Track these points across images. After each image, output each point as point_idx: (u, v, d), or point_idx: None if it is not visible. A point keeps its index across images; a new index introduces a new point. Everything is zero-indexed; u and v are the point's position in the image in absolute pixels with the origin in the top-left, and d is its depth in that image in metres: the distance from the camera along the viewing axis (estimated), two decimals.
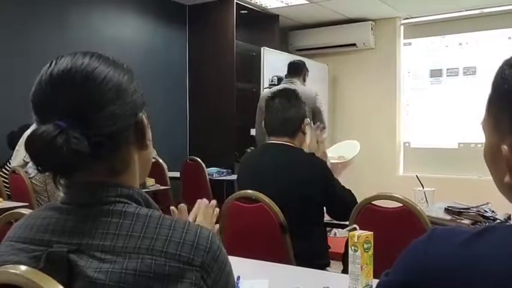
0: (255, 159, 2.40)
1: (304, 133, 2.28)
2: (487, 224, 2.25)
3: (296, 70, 4.20)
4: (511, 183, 0.69)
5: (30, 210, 1.11)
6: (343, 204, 2.17)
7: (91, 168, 0.79)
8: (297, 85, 4.02)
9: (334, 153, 5.89)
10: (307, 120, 2.30)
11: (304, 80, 4.26)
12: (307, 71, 4.29)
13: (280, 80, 4.47)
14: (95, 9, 4.77)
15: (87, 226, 0.77)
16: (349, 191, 2.27)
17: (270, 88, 4.49)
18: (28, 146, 0.75)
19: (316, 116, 4.08)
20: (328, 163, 2.37)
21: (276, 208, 2.04)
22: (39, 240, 0.78)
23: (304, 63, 4.30)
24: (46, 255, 0.75)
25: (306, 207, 2.12)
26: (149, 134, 0.88)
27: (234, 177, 4.66)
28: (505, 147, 0.68)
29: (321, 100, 4.22)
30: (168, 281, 0.72)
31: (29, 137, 0.75)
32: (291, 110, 2.24)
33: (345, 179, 2.51)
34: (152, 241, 0.75)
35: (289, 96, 2.28)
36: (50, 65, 0.83)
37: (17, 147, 3.43)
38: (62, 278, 0.73)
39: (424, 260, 0.66)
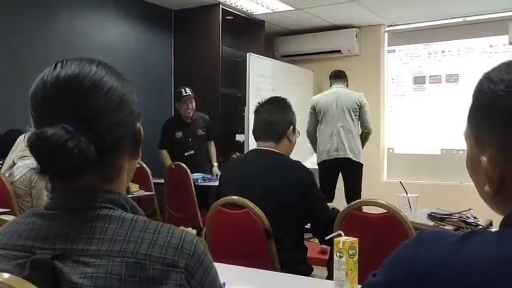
0: (238, 165, 2.41)
1: (289, 140, 2.28)
2: (470, 230, 2.27)
3: (342, 76, 4.95)
4: (490, 192, 0.70)
5: (13, 217, 1.09)
6: (322, 217, 2.15)
7: (86, 174, 0.79)
8: (344, 88, 4.85)
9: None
10: (296, 130, 2.32)
11: (347, 86, 4.98)
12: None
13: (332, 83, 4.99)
14: (82, 13, 4.74)
15: (72, 231, 0.76)
16: (330, 208, 2.26)
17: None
18: (35, 147, 0.75)
19: (363, 114, 4.68)
20: None
21: (261, 214, 2.04)
22: (21, 246, 0.77)
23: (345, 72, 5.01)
24: (30, 262, 0.74)
25: (286, 213, 2.11)
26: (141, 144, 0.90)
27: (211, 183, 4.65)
28: (484, 159, 0.70)
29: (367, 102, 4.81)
30: (153, 284, 0.72)
31: (36, 137, 0.75)
32: (277, 115, 2.25)
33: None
34: (137, 245, 0.75)
35: (277, 103, 2.29)
36: (55, 68, 0.83)
37: (12, 148, 3.36)
38: (47, 286, 0.72)
39: (413, 261, 0.67)
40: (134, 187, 3.97)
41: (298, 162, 2.26)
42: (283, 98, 2.34)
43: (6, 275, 0.74)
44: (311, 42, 6.43)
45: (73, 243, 0.75)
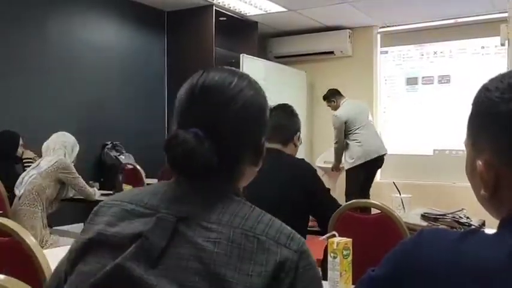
0: None
1: (295, 145, 2.35)
2: (462, 229, 2.29)
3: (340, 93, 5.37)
4: (486, 195, 0.73)
5: (6, 219, 1.09)
6: (327, 208, 2.19)
7: (210, 177, 0.86)
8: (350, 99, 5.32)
9: (329, 159, 5.97)
10: (299, 135, 2.37)
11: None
12: None
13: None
14: (74, 14, 4.72)
15: (197, 199, 0.84)
16: (334, 198, 2.30)
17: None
18: (168, 146, 0.84)
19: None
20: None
21: None
22: (147, 204, 0.84)
23: None
24: (156, 219, 0.81)
25: (290, 208, 2.13)
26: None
27: None
28: (479, 163, 0.73)
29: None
30: (269, 254, 0.79)
31: (170, 138, 0.84)
32: (286, 121, 2.32)
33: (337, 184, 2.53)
34: (255, 223, 0.82)
35: (286, 110, 2.36)
36: (201, 75, 0.91)
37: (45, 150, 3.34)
38: (163, 243, 0.79)
39: (413, 257, 0.69)
40: (127, 188, 3.96)
41: (303, 160, 2.33)
42: (290, 106, 2.41)
43: (1, 277, 0.74)
44: (304, 44, 6.44)
45: (197, 209, 0.82)
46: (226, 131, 0.87)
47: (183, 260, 0.78)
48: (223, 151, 0.85)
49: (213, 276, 0.77)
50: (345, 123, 5.09)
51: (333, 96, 5.32)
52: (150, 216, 0.82)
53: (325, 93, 5.39)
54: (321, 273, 2.31)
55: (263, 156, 0.97)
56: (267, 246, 0.80)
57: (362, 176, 5.07)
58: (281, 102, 2.45)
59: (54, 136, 3.36)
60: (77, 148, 3.43)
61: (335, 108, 5.25)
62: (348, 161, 5.10)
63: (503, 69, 4.39)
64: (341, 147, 5.13)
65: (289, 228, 0.85)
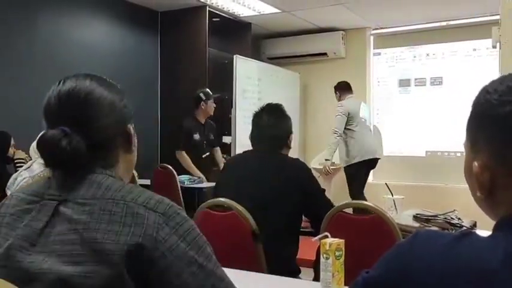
0: (236, 164, 2.43)
1: (289, 147, 2.34)
2: (454, 230, 2.30)
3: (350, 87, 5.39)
4: (482, 197, 0.74)
5: None
6: (322, 208, 2.19)
7: (85, 166, 0.97)
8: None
9: (323, 161, 5.97)
10: (292, 136, 2.37)
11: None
12: None
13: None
14: (66, 14, 4.69)
15: (76, 183, 0.96)
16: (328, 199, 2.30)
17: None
18: (39, 146, 0.97)
19: None
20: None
21: (248, 216, 2.04)
22: (35, 192, 0.99)
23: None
24: (39, 206, 0.95)
25: (284, 210, 2.14)
26: (135, 141, 1.09)
27: (205, 185, 4.64)
28: (475, 164, 0.73)
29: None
30: (137, 218, 0.89)
31: (39, 138, 0.96)
32: (279, 128, 2.30)
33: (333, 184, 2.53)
34: (126, 194, 0.94)
35: (276, 113, 2.34)
36: (59, 84, 1.03)
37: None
38: (46, 220, 0.92)
39: (407, 259, 0.69)
40: None
41: (298, 159, 2.33)
42: (281, 106, 2.39)
43: None
44: (297, 45, 6.45)
45: (75, 190, 0.95)
46: (88, 124, 0.99)
47: (60, 235, 0.90)
48: (90, 142, 0.97)
49: (86, 242, 0.87)
50: (348, 115, 5.10)
51: (339, 89, 5.36)
52: (36, 202, 0.96)
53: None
54: (313, 275, 2.32)
55: (132, 142, 1.08)
56: (136, 210, 0.90)
57: (362, 174, 5.08)
58: (271, 102, 2.42)
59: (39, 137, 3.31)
60: None
61: (338, 100, 5.31)
62: (344, 158, 5.08)
63: (495, 71, 4.42)
64: (337, 142, 5.08)
65: (159, 196, 0.96)
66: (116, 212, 0.90)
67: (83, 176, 0.97)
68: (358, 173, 5.03)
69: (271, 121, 2.30)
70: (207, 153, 4.84)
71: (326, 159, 5.11)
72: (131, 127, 1.09)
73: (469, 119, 0.77)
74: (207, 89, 4.90)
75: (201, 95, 4.80)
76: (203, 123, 4.85)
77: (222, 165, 4.96)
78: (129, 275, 0.85)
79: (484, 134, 0.73)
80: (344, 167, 5.12)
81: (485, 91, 0.74)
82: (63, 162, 0.95)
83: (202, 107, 4.81)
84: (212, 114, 4.91)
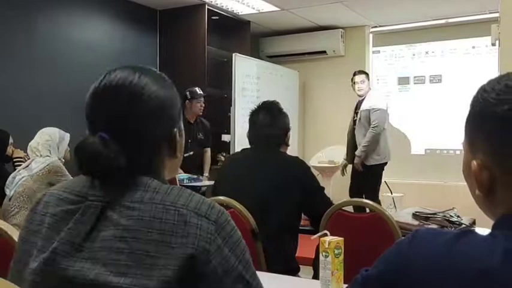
0: (235, 162, 2.43)
1: (287, 145, 2.33)
2: (453, 228, 2.30)
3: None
4: (480, 196, 0.74)
5: None
6: (321, 206, 2.19)
7: (125, 175, 0.89)
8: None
9: (324, 158, 5.97)
10: (289, 133, 2.35)
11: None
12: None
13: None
14: (64, 12, 4.68)
15: (117, 186, 0.89)
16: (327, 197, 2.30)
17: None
18: (77, 153, 0.88)
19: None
20: None
21: (248, 214, 2.04)
22: (78, 191, 0.91)
23: None
24: (83, 207, 0.87)
25: (284, 208, 2.14)
26: (181, 145, 1.00)
27: (204, 183, 4.64)
28: (474, 163, 0.73)
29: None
30: (190, 227, 0.83)
31: (78, 145, 0.88)
32: (275, 126, 2.28)
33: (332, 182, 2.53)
34: (176, 198, 0.87)
35: (272, 111, 2.32)
36: (104, 77, 0.93)
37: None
38: (86, 228, 0.85)
39: (407, 257, 0.70)
40: None
41: (297, 157, 2.31)
42: (277, 103, 2.37)
43: None
44: (296, 43, 6.44)
45: (120, 193, 0.87)
46: (133, 130, 0.90)
47: (106, 241, 0.83)
48: (132, 149, 0.89)
49: (136, 253, 0.81)
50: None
51: (368, 78, 5.11)
52: (80, 203, 0.89)
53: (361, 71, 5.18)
54: (313, 273, 2.33)
55: (179, 147, 0.99)
56: (188, 218, 0.84)
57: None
58: (267, 100, 2.40)
59: (36, 137, 3.27)
60: (66, 140, 3.33)
61: (363, 90, 5.01)
62: (375, 156, 4.87)
63: (494, 69, 4.42)
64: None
65: (209, 200, 0.89)
66: (167, 220, 0.83)
67: (126, 178, 0.89)
68: (382, 173, 4.88)
69: (267, 119, 2.28)
70: (190, 153, 4.76)
71: (358, 156, 4.87)
72: (177, 131, 0.98)
73: (467, 118, 0.77)
74: (196, 88, 4.84)
75: (187, 93, 4.78)
76: (192, 122, 4.82)
77: (206, 167, 4.96)
78: None
79: (482, 133, 0.73)
80: (372, 166, 4.86)
81: (482, 90, 0.74)
82: (101, 172, 0.88)
83: (187, 105, 4.79)
84: (200, 114, 4.85)
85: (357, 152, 4.85)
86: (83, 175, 0.93)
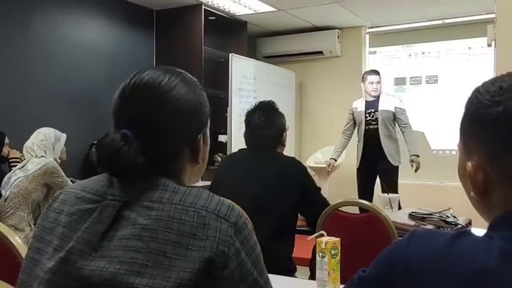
0: (231, 162, 2.43)
1: (283, 144, 2.33)
2: (449, 228, 2.31)
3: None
4: (475, 197, 0.74)
5: None
6: (318, 206, 2.19)
7: (145, 174, 0.89)
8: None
9: (320, 158, 5.96)
10: (286, 133, 2.34)
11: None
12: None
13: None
14: (61, 13, 4.67)
15: (136, 185, 0.88)
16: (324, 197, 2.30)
17: None
18: (97, 148, 0.88)
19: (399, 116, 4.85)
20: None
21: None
22: (97, 190, 0.90)
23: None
24: (101, 207, 0.87)
25: (280, 209, 2.14)
26: (204, 153, 0.99)
27: (201, 183, 4.63)
28: (469, 165, 0.74)
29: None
30: (208, 229, 0.82)
31: (99, 141, 0.88)
32: (270, 127, 2.28)
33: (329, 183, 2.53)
34: (195, 199, 0.85)
35: (268, 111, 2.31)
36: (134, 76, 0.93)
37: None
38: (102, 228, 0.84)
39: (404, 258, 0.70)
40: None
41: (294, 158, 2.31)
42: (272, 103, 2.36)
43: None
44: (293, 43, 6.45)
45: (139, 192, 0.86)
46: (157, 130, 0.89)
47: (123, 240, 0.82)
48: (154, 149, 0.88)
49: (153, 253, 0.80)
50: None
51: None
52: (98, 202, 0.88)
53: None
54: (309, 273, 2.33)
55: (202, 154, 0.98)
56: (207, 220, 0.83)
57: None
58: (263, 100, 2.40)
59: (32, 137, 3.26)
60: (62, 140, 3.32)
61: (379, 91, 4.89)
62: (396, 157, 4.81)
63: (490, 69, 4.43)
64: None
65: (228, 201, 0.88)
66: (186, 221, 0.82)
67: (145, 178, 0.89)
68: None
69: (262, 120, 2.28)
70: None
71: (415, 155, 4.75)
72: (201, 137, 0.97)
73: (461, 120, 0.78)
74: None
75: None
76: None
77: None
78: None
79: (477, 134, 0.73)
80: (398, 166, 4.82)
81: (477, 92, 0.75)
82: (120, 169, 0.88)
83: None
84: None
85: (414, 152, 4.75)
86: (101, 174, 0.92)
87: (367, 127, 4.85)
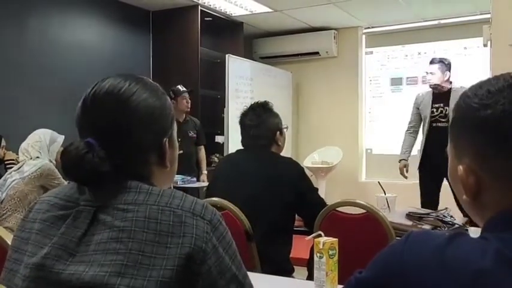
0: (228, 163, 2.43)
1: (278, 144, 2.32)
2: (446, 228, 2.32)
3: None
4: (468, 200, 0.75)
5: None
6: (315, 206, 2.19)
7: (110, 181, 0.89)
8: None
9: (317, 159, 5.97)
10: (282, 131, 2.34)
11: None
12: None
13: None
14: (56, 14, 4.66)
15: (108, 190, 0.88)
16: (321, 197, 2.30)
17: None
18: (62, 158, 0.88)
19: None
20: None
21: (242, 216, 2.04)
22: (69, 197, 0.91)
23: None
24: (74, 213, 0.87)
25: (277, 209, 2.13)
26: (173, 154, 0.99)
27: (198, 184, 4.63)
28: (460, 168, 0.74)
29: None
30: (186, 227, 0.84)
31: (64, 149, 0.89)
32: (261, 126, 2.27)
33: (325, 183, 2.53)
34: (170, 199, 0.87)
35: (260, 111, 2.31)
36: (95, 85, 0.94)
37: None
38: (78, 233, 0.85)
39: (400, 260, 0.70)
40: None
41: (291, 158, 2.31)
42: (265, 103, 2.35)
43: None
44: (289, 44, 6.45)
45: (113, 196, 0.87)
46: (120, 136, 0.90)
47: (102, 243, 0.83)
48: (120, 156, 0.89)
49: (132, 254, 0.81)
50: None
51: None
52: (71, 208, 0.88)
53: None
54: (307, 274, 2.33)
55: (169, 157, 0.98)
56: (183, 219, 0.85)
57: None
58: (258, 101, 2.39)
59: (28, 138, 3.24)
60: (58, 141, 3.30)
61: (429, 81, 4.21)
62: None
63: (485, 69, 4.44)
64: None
65: (201, 200, 0.90)
66: (163, 220, 0.83)
67: (114, 183, 0.89)
68: None
69: (254, 120, 2.27)
70: (180, 151, 4.73)
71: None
72: (167, 141, 0.97)
73: (451, 124, 0.79)
74: (178, 86, 4.83)
75: (170, 93, 4.76)
76: (181, 121, 4.80)
77: (203, 165, 4.96)
78: None
79: (466, 137, 0.74)
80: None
81: (465, 95, 0.76)
82: (85, 177, 0.88)
83: (173, 105, 4.77)
84: (188, 110, 4.83)
85: None
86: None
87: (433, 124, 4.12)
